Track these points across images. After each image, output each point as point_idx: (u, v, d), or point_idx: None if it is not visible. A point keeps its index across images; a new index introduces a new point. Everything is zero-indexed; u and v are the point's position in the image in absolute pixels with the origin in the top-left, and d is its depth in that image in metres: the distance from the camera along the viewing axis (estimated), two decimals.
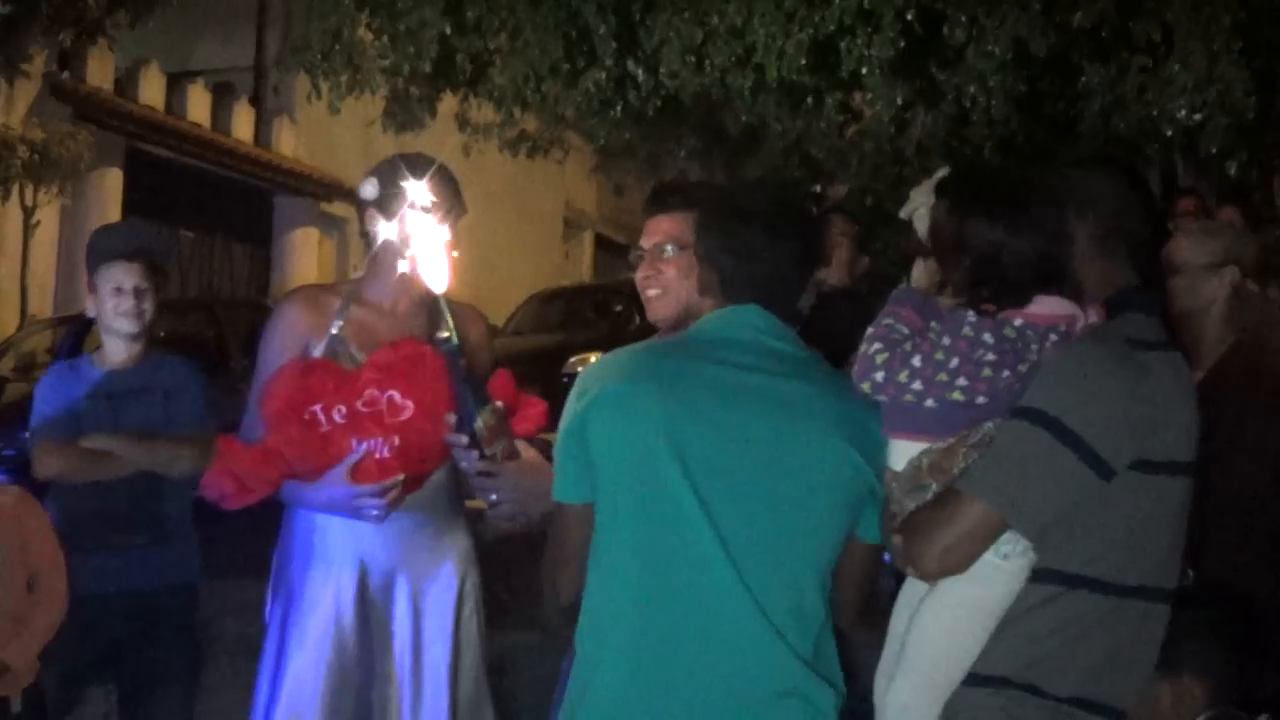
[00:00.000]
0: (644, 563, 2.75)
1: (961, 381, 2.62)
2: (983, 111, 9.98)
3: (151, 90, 20.03)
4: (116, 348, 4.88)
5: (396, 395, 3.68)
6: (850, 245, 5.66)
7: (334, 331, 3.90)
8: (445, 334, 3.12)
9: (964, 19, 9.52)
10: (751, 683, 2.72)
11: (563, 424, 2.87)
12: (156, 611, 4.74)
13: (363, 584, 3.91)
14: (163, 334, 13.56)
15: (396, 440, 3.70)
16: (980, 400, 2.63)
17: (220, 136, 21.20)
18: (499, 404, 3.21)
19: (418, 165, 4.06)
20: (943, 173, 2.85)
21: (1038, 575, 2.67)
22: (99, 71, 18.78)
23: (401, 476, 3.70)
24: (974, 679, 2.70)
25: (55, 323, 14.62)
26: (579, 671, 2.82)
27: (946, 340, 2.64)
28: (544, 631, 3.89)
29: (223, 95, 21.65)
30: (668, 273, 3.51)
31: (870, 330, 2.71)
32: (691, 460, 2.74)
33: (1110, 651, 2.69)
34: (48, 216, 16.57)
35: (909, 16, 9.56)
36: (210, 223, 21.35)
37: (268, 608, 4.06)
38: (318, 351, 3.90)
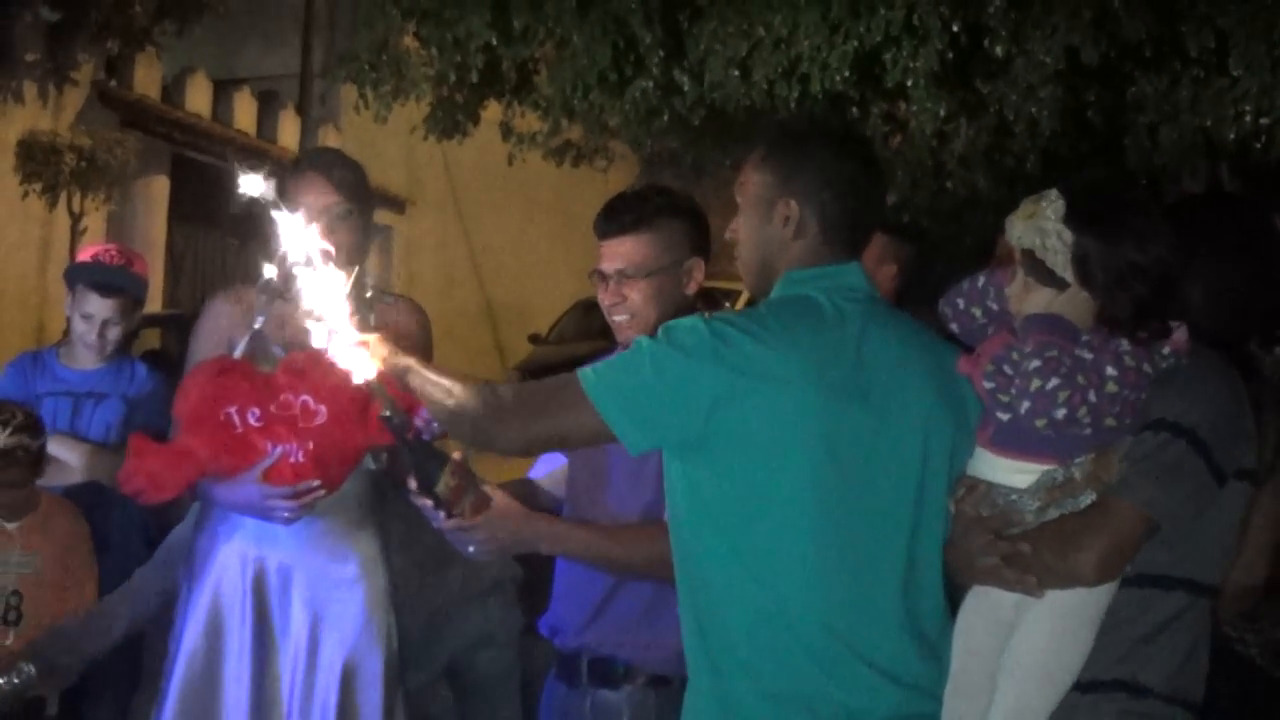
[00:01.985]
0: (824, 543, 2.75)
1: (1117, 409, 2.67)
2: (1027, 123, 9.95)
3: (198, 97, 20.15)
4: (82, 352, 5.03)
5: (310, 400, 3.72)
6: (895, 270, 5.35)
7: (256, 327, 3.91)
8: (386, 412, 3.12)
9: (1008, 31, 9.48)
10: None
11: (668, 361, 2.73)
12: None
13: (258, 583, 3.91)
14: None
15: (310, 445, 3.74)
16: (1127, 422, 2.69)
17: (265, 144, 21.28)
18: (457, 457, 3.19)
19: (303, 158, 4.06)
20: (1055, 198, 2.78)
21: (1136, 579, 2.74)
22: (146, 79, 18.89)
23: (316, 482, 3.72)
24: (1083, 685, 2.74)
25: None
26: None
27: (1113, 371, 2.66)
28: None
29: (268, 103, 21.74)
30: (634, 298, 3.48)
31: (1035, 364, 2.66)
32: (842, 448, 2.75)
33: (1190, 649, 2.78)
34: (95, 223, 16.67)
35: (955, 28, 9.55)
36: (254, 229, 21.43)
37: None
38: (240, 348, 3.92)
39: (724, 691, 2.81)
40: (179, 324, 14.87)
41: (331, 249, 3.23)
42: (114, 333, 5.00)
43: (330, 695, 3.88)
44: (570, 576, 3.52)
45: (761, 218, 2.95)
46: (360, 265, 3.25)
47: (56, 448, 4.79)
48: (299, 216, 3.24)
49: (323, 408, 3.72)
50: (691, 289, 3.53)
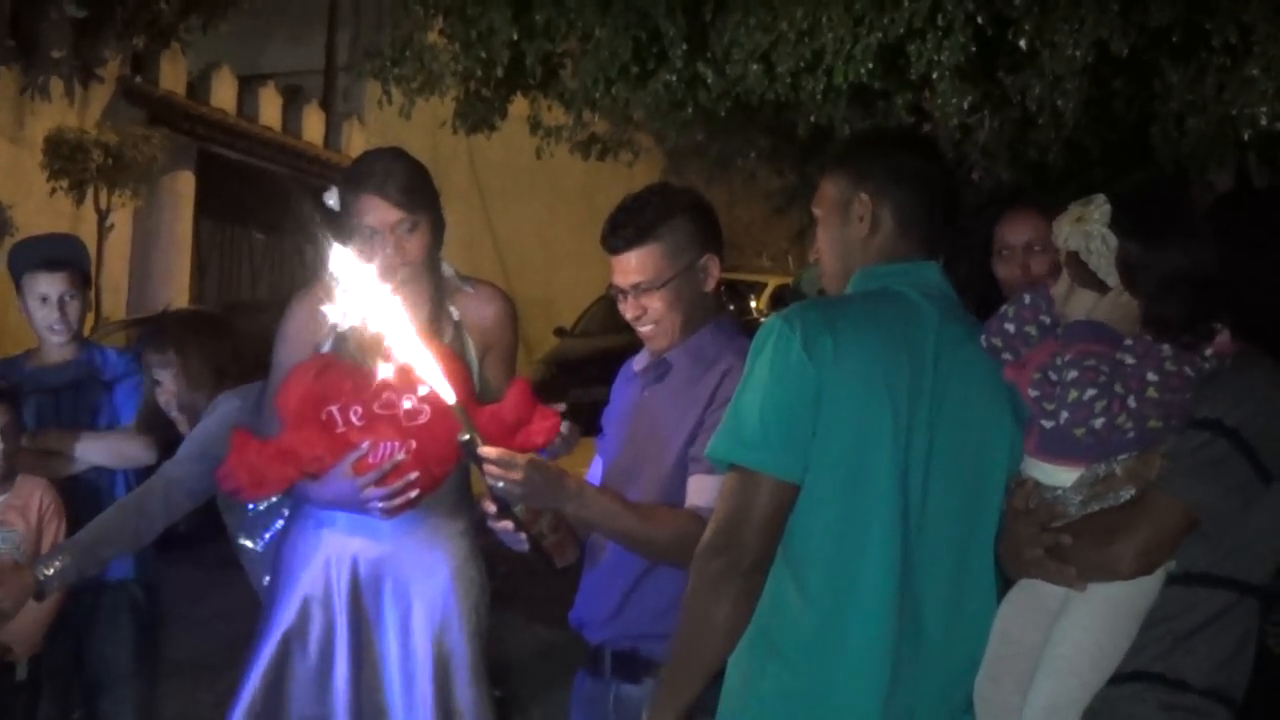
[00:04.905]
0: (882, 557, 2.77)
1: (1160, 411, 2.70)
2: (1051, 115, 9.90)
3: (223, 93, 20.22)
4: (50, 348, 5.00)
5: (413, 398, 3.72)
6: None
7: (339, 330, 3.87)
8: (466, 436, 3.14)
9: (1031, 25, 9.42)
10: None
11: (778, 378, 2.75)
12: (107, 606, 4.89)
13: (354, 574, 3.93)
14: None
15: (413, 444, 3.75)
16: (1173, 423, 2.71)
17: (291, 139, 21.36)
18: None
19: (360, 173, 3.93)
20: (1102, 202, 2.82)
21: (1182, 576, 2.77)
22: (172, 75, 18.96)
23: (404, 458, 3.73)
24: (1123, 676, 2.77)
25: (129, 324, 14.76)
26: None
27: (1154, 376, 2.70)
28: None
29: (293, 98, 21.81)
30: (654, 308, 3.46)
31: (1073, 374, 2.71)
32: (914, 449, 2.76)
33: (1233, 647, 2.80)
34: (121, 219, 16.77)
35: (979, 20, 9.50)
36: (281, 224, 21.50)
37: (263, 595, 4.14)
38: (325, 348, 3.93)
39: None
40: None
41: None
42: (74, 309, 4.92)
43: (426, 685, 3.91)
44: (596, 571, 3.54)
45: (839, 221, 2.98)
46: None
47: (50, 442, 4.84)
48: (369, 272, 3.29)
49: (426, 406, 3.73)
50: (710, 285, 3.52)
